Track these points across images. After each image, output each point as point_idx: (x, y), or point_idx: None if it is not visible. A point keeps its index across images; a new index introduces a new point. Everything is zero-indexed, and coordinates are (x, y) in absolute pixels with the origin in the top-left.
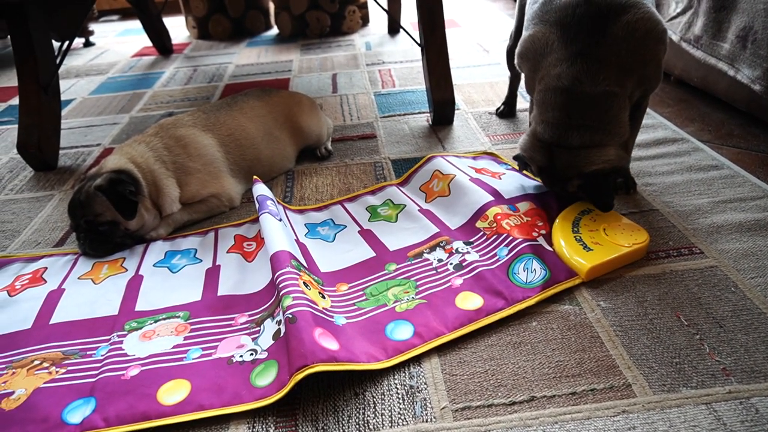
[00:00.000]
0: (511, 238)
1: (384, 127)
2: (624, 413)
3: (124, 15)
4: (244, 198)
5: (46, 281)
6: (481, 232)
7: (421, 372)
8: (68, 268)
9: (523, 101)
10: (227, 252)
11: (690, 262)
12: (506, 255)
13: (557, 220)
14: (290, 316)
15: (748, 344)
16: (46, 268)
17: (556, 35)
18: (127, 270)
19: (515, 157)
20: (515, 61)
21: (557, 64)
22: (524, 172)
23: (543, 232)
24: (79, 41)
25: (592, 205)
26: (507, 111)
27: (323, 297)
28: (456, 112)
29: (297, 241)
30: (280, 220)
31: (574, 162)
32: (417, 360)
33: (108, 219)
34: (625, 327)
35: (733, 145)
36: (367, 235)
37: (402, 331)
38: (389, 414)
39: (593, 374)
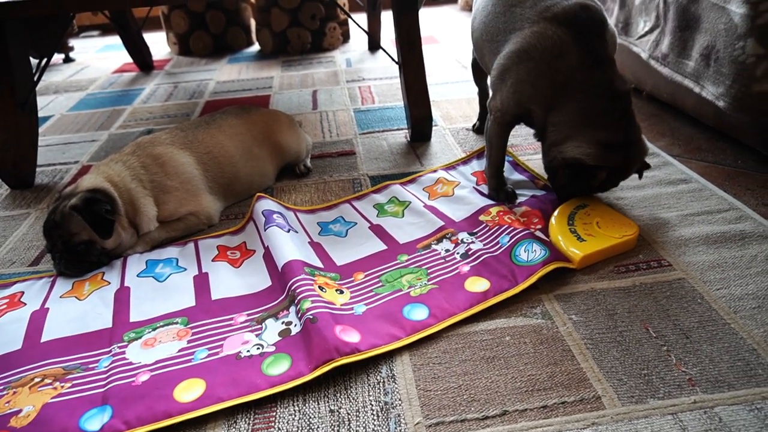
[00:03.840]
0: (512, 228)
1: (363, 144)
2: (593, 425)
3: (105, 31)
4: (222, 215)
5: (25, 304)
6: (484, 224)
7: (396, 388)
8: (47, 289)
9: None
10: (212, 261)
11: (659, 274)
12: (508, 242)
13: (554, 215)
14: (311, 317)
15: (713, 354)
16: (23, 292)
17: (570, 36)
18: (110, 283)
19: (570, 181)
20: (511, 59)
21: (580, 67)
22: (537, 182)
23: (539, 227)
24: (58, 57)
25: (588, 200)
26: (482, 127)
27: (341, 292)
28: (434, 128)
29: (311, 242)
30: (288, 231)
31: (641, 152)
32: (392, 376)
33: (84, 239)
34: (595, 340)
35: (701, 159)
36: (378, 230)
37: (418, 313)
38: (363, 431)
39: (564, 387)
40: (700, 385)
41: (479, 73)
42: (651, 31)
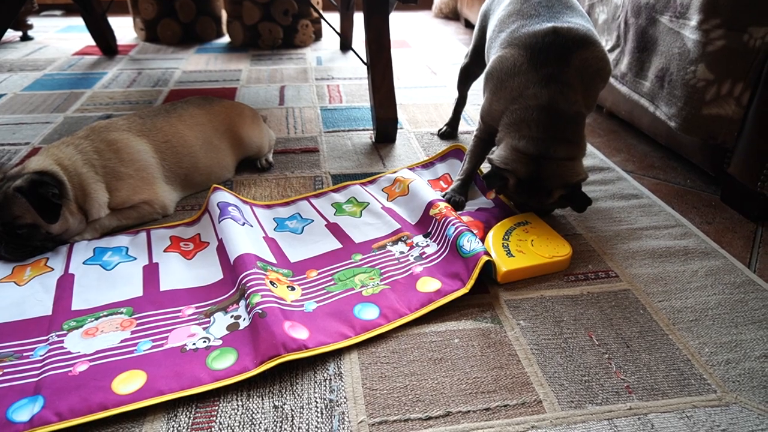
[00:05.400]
0: (457, 220)
1: (327, 142)
2: (533, 429)
3: (68, 11)
4: (178, 206)
5: None
6: (434, 219)
7: (342, 386)
8: None
9: (465, 124)
10: (164, 251)
11: (606, 284)
12: (453, 233)
13: (494, 227)
14: (260, 311)
15: (651, 363)
16: None
17: (525, 57)
18: (53, 269)
19: (487, 176)
20: (483, 82)
21: (529, 85)
22: (488, 195)
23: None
24: (15, 34)
25: (535, 215)
26: (449, 132)
27: (293, 289)
28: (399, 131)
29: (266, 237)
30: (243, 224)
31: (559, 172)
32: (339, 374)
33: (28, 222)
34: (541, 345)
35: (653, 176)
36: (334, 229)
37: (369, 312)
38: (306, 428)
39: (508, 390)
40: (637, 393)
41: (465, 80)
42: (612, 50)
